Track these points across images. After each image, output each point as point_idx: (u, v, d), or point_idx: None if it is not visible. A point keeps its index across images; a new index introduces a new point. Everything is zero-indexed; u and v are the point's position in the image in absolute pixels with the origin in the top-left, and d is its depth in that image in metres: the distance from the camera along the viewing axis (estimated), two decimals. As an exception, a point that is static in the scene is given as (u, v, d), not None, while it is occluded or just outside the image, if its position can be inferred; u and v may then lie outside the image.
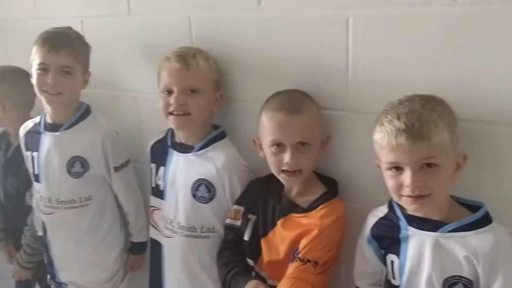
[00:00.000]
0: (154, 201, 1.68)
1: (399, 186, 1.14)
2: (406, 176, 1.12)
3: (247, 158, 1.57)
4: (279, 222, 1.41)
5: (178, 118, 1.52)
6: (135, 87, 1.85)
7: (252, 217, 1.47)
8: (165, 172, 1.62)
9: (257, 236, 1.45)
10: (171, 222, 1.60)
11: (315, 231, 1.32)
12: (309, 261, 1.31)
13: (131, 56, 1.82)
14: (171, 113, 1.52)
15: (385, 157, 1.15)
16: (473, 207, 1.19)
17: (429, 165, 1.11)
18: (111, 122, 1.82)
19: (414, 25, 1.23)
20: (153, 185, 1.67)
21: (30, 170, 1.82)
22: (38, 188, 1.80)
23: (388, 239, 1.25)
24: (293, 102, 1.36)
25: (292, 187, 1.43)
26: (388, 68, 1.29)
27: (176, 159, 1.60)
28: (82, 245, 1.79)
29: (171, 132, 1.66)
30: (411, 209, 1.19)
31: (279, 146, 1.35)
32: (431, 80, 1.23)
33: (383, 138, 1.13)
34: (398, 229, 1.23)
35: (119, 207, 1.85)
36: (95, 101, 1.84)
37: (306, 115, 1.34)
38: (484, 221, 1.15)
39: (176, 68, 1.50)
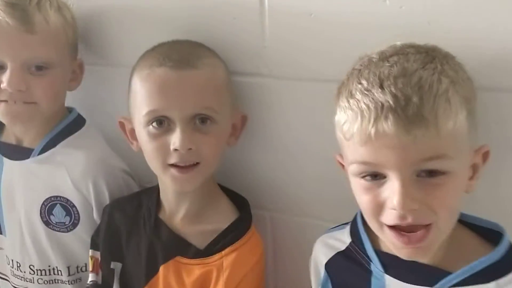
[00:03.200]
0: None
1: (379, 207, 0.63)
2: (392, 191, 0.60)
3: (125, 155, 1.00)
4: (161, 269, 0.86)
5: (15, 107, 0.94)
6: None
7: (117, 266, 0.92)
8: (-4, 191, 1.05)
9: None
10: (19, 267, 1.04)
11: None
12: None
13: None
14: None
15: (354, 154, 0.64)
16: (484, 231, 0.68)
17: (431, 172, 0.60)
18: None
19: None
20: None
21: None
22: None
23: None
24: (183, 51, 0.85)
25: (178, 206, 0.88)
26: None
27: (10, 170, 1.02)
28: None
29: None
30: (402, 254, 0.66)
31: (162, 124, 0.81)
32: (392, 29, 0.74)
33: (352, 122, 0.62)
34: (366, 274, 0.72)
35: None
36: None
37: (206, 70, 0.83)
38: (508, 262, 0.64)
39: (10, 29, 0.90)
